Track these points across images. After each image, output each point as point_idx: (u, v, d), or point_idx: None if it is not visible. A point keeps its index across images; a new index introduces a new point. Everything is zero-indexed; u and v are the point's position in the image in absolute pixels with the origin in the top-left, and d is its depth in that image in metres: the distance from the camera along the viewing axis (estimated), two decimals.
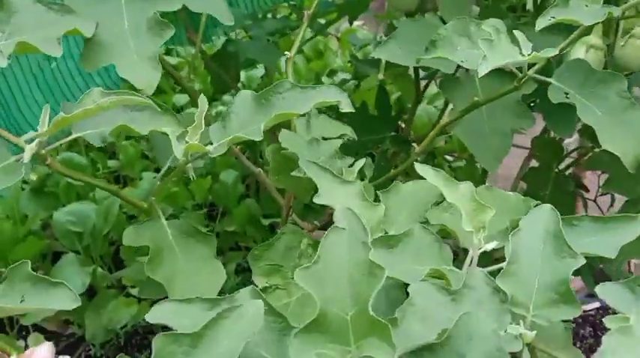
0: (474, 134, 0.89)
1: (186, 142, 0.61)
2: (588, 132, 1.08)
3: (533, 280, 0.48)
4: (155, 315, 0.49)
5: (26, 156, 0.58)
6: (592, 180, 1.26)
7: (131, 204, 0.71)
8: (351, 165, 0.72)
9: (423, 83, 1.20)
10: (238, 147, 0.99)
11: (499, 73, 0.95)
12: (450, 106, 1.27)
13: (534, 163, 1.17)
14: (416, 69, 1.23)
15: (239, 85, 1.38)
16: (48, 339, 0.87)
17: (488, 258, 0.56)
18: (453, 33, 0.77)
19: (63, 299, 0.48)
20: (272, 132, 1.23)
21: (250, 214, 1.37)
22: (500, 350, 0.38)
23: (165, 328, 1.40)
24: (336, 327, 0.41)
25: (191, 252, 0.67)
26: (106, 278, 1.32)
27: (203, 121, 0.62)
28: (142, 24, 0.67)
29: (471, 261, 0.52)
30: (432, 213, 0.61)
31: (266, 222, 1.37)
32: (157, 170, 1.52)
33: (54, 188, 1.40)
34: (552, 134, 1.16)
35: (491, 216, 0.52)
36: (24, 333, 1.27)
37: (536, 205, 0.58)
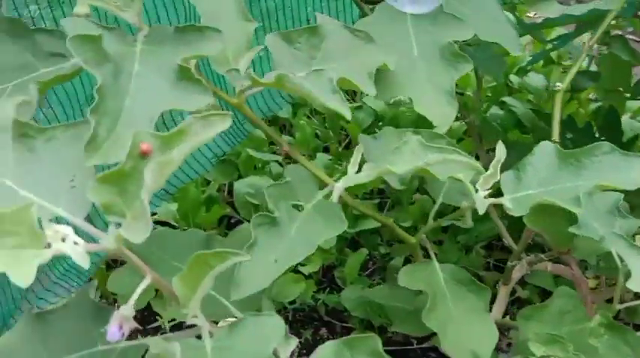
0: None
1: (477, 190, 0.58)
2: None
3: None
4: None
5: (335, 196, 0.56)
6: None
7: (400, 237, 0.69)
8: None
9: None
10: None
11: None
12: None
13: None
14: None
15: None
16: None
17: None
18: None
19: None
20: None
21: (424, 212, 1.34)
22: None
23: (329, 313, 1.39)
24: None
25: (463, 301, 0.65)
26: None
27: (499, 171, 0.58)
28: (433, 52, 0.62)
29: None
30: None
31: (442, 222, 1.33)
32: (325, 149, 1.52)
33: (234, 158, 1.43)
34: None
35: None
36: None
37: None
